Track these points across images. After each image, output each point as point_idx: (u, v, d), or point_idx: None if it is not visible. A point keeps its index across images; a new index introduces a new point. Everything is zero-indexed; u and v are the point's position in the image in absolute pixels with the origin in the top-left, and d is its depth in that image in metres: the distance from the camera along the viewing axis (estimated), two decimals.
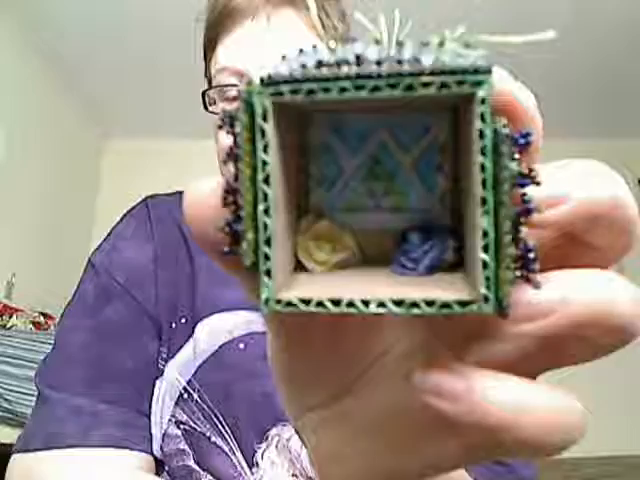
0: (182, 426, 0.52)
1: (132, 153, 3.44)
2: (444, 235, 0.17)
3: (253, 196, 0.14)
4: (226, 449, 0.51)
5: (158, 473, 0.53)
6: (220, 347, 0.53)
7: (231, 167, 0.15)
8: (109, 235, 0.60)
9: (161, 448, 0.53)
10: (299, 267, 0.17)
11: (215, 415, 0.51)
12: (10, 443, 1.59)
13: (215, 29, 0.55)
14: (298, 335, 0.19)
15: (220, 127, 0.15)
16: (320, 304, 0.14)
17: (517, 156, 0.14)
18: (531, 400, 0.14)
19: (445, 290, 0.14)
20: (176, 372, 0.53)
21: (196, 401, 0.52)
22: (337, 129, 0.18)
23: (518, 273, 0.14)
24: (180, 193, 0.64)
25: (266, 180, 0.14)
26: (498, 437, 0.14)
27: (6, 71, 2.48)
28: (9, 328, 2.20)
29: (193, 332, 0.54)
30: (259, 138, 0.14)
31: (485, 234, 0.14)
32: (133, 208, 0.62)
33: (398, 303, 0.14)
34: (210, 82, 0.57)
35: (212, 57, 0.56)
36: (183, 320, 0.55)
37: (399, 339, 0.19)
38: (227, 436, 0.51)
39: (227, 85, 0.54)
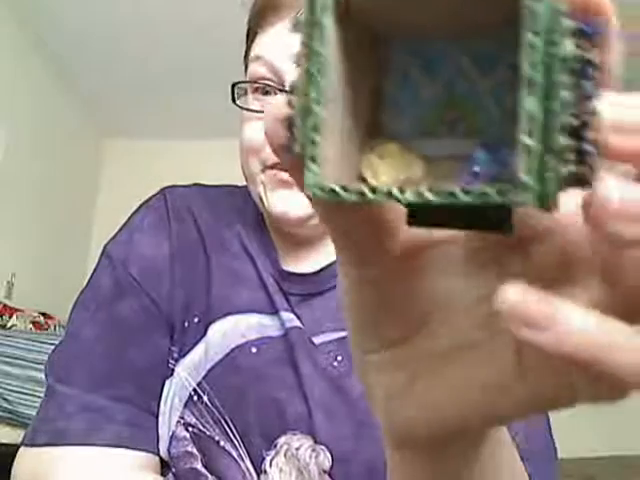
0: (190, 429, 0.52)
1: (132, 153, 3.44)
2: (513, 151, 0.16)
3: (306, 86, 0.15)
4: (234, 454, 0.50)
5: (163, 474, 0.53)
6: (232, 350, 0.52)
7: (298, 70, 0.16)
8: (125, 225, 0.59)
9: (168, 450, 0.52)
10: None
11: (225, 419, 0.51)
12: (10, 443, 1.60)
13: (258, 18, 0.55)
14: (369, 270, 0.20)
15: (294, 32, 0.16)
16: (359, 192, 0.15)
17: (584, 45, 0.13)
18: (611, 334, 0.14)
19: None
20: (186, 373, 0.53)
21: (206, 404, 0.51)
22: (414, 54, 0.18)
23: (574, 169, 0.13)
24: (197, 185, 0.63)
25: (319, 70, 0.15)
26: (586, 371, 0.14)
27: (6, 71, 2.48)
28: (9, 328, 2.20)
29: (205, 333, 0.53)
30: (316, 31, 0.15)
31: (531, 118, 0.13)
32: (150, 199, 0.60)
33: (436, 192, 0.14)
34: (246, 68, 0.57)
35: (252, 44, 0.56)
36: (196, 320, 0.54)
37: (473, 285, 0.19)
38: (236, 441, 0.50)
39: (255, 81, 0.53)
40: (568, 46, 0.13)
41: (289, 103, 0.16)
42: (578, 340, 0.14)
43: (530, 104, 0.13)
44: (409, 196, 0.14)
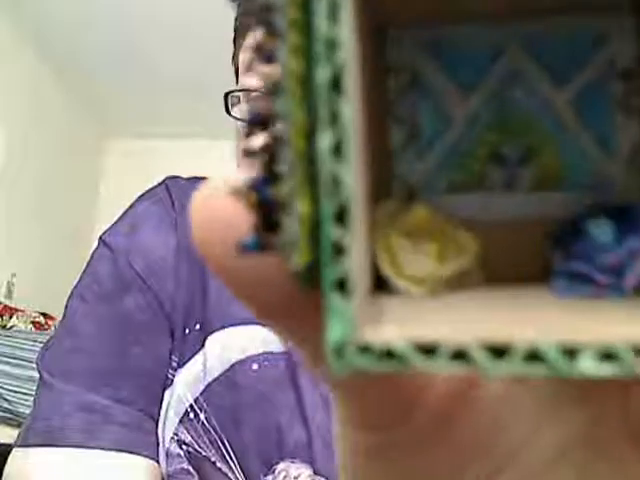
0: (185, 447, 0.49)
1: (132, 153, 3.44)
2: None
3: (306, 117, 0.07)
4: (231, 477, 0.48)
5: None
6: (232, 366, 0.49)
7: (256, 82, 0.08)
8: (125, 215, 0.54)
9: (164, 466, 0.50)
10: (377, 286, 0.10)
11: (221, 440, 0.49)
12: (10, 443, 1.59)
13: (250, 18, 0.51)
14: (387, 436, 0.12)
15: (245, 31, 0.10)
16: (460, 355, 0.07)
17: None
18: None
19: None
20: (184, 386, 0.50)
21: (202, 423, 0.49)
22: (436, 54, 0.10)
23: None
24: (198, 179, 0.59)
25: (336, 82, 0.07)
26: None
27: (5, 71, 2.48)
28: (9, 328, 2.19)
29: (203, 344, 0.50)
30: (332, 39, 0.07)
31: None
32: (152, 189, 0.56)
33: (607, 356, 0.07)
34: (237, 71, 0.54)
35: (242, 44, 0.52)
36: (197, 326, 0.51)
37: (538, 429, 0.12)
38: (232, 463, 0.48)
39: (249, 90, 0.50)
40: None
41: (244, 151, 0.08)
42: None
43: None
44: (584, 368, 0.07)
